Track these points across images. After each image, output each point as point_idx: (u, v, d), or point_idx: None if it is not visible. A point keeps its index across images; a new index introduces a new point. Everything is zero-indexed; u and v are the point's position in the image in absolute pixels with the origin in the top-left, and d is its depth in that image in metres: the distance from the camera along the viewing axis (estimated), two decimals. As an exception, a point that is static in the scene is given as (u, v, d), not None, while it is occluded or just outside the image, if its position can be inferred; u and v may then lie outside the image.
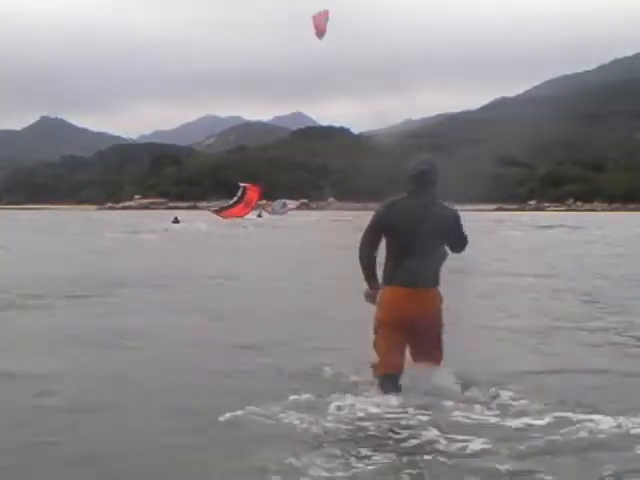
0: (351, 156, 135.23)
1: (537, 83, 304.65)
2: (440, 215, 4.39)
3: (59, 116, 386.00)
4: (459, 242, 4.49)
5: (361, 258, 4.47)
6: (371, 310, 4.50)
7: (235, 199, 42.58)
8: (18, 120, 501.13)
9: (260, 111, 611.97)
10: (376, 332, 4.41)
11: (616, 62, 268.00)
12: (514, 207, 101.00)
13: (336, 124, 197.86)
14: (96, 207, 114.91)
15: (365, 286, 4.50)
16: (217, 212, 43.99)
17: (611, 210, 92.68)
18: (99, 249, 19.88)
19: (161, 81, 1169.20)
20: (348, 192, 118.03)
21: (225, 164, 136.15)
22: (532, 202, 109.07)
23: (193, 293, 10.15)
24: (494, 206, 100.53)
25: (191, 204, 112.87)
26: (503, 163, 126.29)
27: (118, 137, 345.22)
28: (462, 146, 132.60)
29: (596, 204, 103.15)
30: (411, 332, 4.33)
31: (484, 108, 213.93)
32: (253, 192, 44.20)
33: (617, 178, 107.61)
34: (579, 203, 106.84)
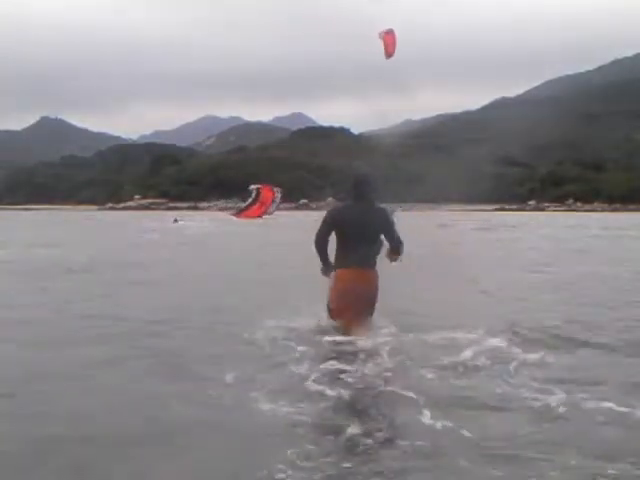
0: (351, 156, 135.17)
1: (537, 83, 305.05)
2: (376, 216, 5.82)
3: (59, 116, 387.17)
4: (395, 241, 5.85)
5: (317, 245, 5.91)
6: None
7: (250, 200, 42.45)
8: (18, 120, 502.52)
9: (260, 111, 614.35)
10: (330, 304, 5.79)
11: (616, 62, 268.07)
12: (514, 207, 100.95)
13: (336, 124, 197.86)
14: (96, 207, 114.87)
15: (320, 266, 5.98)
16: (235, 214, 44.08)
17: (611, 210, 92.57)
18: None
19: (161, 81, 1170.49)
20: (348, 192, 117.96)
21: (225, 164, 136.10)
22: (532, 202, 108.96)
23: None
24: (494, 206, 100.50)
25: (191, 204, 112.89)
26: (503, 163, 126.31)
27: (118, 137, 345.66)
28: (462, 146, 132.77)
29: (596, 204, 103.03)
30: (356, 302, 5.65)
31: (484, 108, 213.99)
32: (267, 191, 44.14)
33: (617, 178, 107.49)
34: (579, 203, 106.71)
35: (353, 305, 5.64)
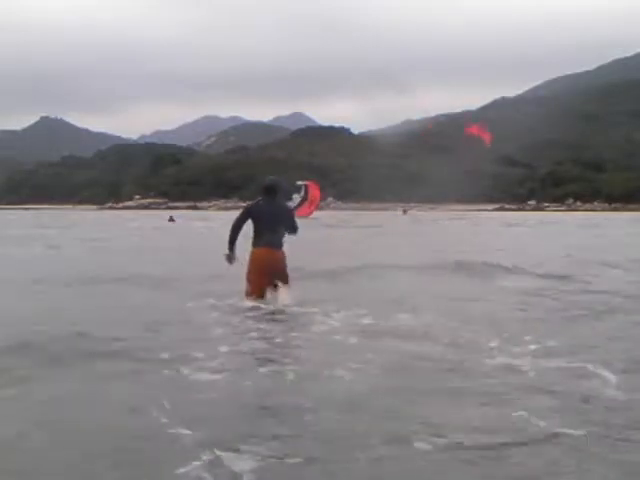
0: (351, 156, 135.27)
1: (537, 83, 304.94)
2: (280, 212, 7.86)
3: (59, 116, 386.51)
4: (292, 228, 7.80)
5: (233, 228, 7.71)
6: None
7: (299, 199, 40.97)
8: (18, 120, 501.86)
9: (260, 111, 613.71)
10: (248, 275, 7.57)
11: (616, 62, 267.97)
12: (514, 207, 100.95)
13: (336, 124, 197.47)
14: (96, 207, 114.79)
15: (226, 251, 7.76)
16: None
17: (611, 210, 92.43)
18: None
19: (161, 81, 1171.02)
20: (348, 192, 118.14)
21: (225, 164, 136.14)
22: (532, 202, 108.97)
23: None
24: (494, 206, 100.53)
25: (191, 204, 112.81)
26: (503, 163, 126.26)
27: (118, 137, 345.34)
28: (462, 146, 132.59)
29: (596, 204, 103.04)
30: (269, 273, 7.50)
31: (484, 108, 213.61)
32: (315, 189, 42.82)
33: (617, 178, 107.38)
34: (579, 203, 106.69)
35: (264, 275, 7.52)
